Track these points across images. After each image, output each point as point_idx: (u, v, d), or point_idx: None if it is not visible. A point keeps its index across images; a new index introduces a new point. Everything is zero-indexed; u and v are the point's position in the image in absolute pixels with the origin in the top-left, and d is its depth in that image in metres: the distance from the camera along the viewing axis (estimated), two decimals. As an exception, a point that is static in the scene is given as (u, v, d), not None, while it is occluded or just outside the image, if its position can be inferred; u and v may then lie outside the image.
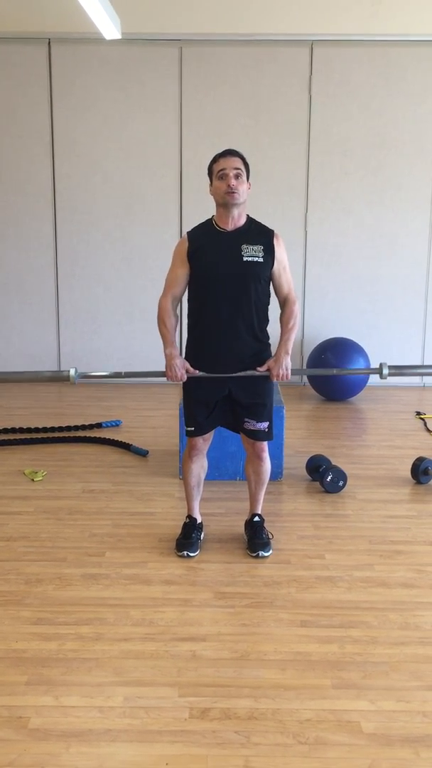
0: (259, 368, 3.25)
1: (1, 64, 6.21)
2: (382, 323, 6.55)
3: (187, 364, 3.23)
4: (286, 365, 3.24)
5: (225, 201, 3.14)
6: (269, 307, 3.31)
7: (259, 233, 3.21)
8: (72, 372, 3.42)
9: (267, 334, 3.32)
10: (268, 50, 6.14)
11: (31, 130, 6.30)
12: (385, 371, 3.46)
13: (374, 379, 6.23)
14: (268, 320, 3.31)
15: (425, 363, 6.61)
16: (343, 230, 6.42)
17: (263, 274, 3.18)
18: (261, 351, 3.29)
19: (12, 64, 6.21)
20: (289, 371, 3.25)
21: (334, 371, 3.70)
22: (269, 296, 3.29)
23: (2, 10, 5.94)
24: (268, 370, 3.24)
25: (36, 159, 6.35)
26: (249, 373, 3.24)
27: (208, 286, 3.19)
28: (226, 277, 3.15)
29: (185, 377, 3.23)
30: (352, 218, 6.39)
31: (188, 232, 3.27)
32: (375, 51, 6.15)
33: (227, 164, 3.12)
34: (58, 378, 3.72)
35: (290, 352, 3.26)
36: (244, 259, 3.14)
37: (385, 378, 3.51)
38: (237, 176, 3.11)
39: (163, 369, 3.28)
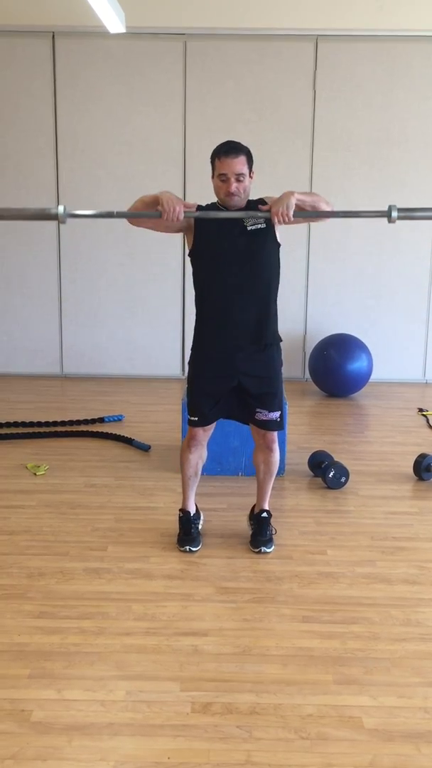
0: (261, 206, 3.12)
1: (5, 58, 6.19)
2: (384, 319, 6.53)
3: (183, 201, 3.08)
4: (288, 204, 3.01)
5: (225, 202, 3.17)
6: (275, 301, 3.32)
7: (256, 203, 3.22)
8: (60, 209, 3.21)
9: (276, 306, 3.30)
10: (272, 45, 6.12)
11: (34, 123, 6.29)
12: (394, 214, 3.14)
13: (376, 375, 6.26)
14: (277, 291, 3.29)
15: (428, 361, 6.61)
16: (347, 226, 6.40)
17: (269, 236, 3.18)
18: (269, 322, 3.26)
19: (16, 57, 6.19)
20: (291, 211, 3.01)
21: (339, 213, 3.58)
22: (279, 266, 3.28)
23: (6, 3, 5.92)
24: (270, 211, 3.07)
25: (39, 153, 6.33)
26: (251, 213, 3.10)
27: (215, 259, 3.20)
28: (232, 248, 3.16)
29: (182, 214, 3.05)
30: (355, 214, 6.37)
31: (198, 205, 3.24)
32: (380, 46, 6.13)
33: (229, 168, 3.08)
34: (45, 216, 3.42)
35: (297, 198, 3.05)
36: (248, 228, 3.16)
37: (394, 221, 3.15)
38: (238, 180, 3.10)
39: (159, 215, 3.06)
